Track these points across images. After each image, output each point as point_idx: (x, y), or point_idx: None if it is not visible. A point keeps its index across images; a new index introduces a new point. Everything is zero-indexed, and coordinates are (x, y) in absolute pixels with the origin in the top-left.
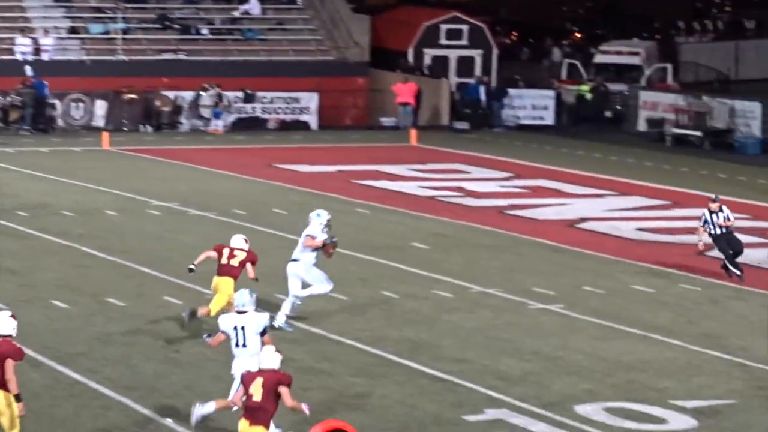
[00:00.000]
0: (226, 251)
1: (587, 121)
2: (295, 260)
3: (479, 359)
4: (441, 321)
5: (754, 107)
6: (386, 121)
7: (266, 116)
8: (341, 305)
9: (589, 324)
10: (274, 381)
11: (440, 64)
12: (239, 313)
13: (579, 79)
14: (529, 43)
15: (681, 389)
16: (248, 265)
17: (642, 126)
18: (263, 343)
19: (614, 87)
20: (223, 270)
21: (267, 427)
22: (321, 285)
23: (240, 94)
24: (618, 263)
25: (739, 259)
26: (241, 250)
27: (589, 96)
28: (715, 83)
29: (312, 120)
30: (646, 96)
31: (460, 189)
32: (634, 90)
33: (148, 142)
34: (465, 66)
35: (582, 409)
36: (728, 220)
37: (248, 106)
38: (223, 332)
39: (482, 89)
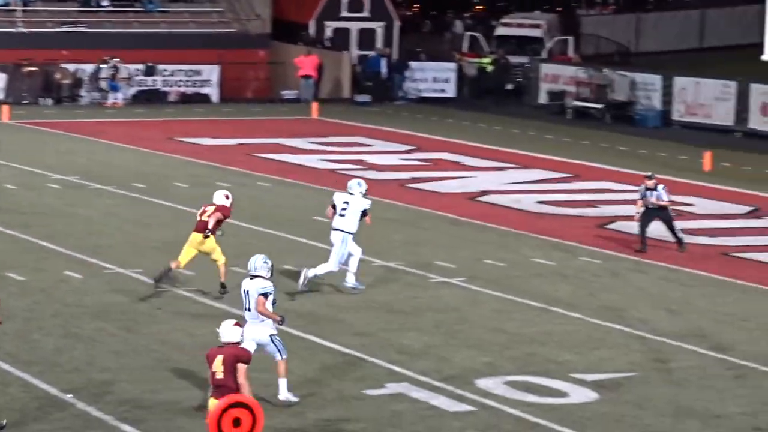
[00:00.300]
0: (201, 210)
1: (488, 94)
2: (335, 230)
3: (381, 333)
4: (343, 295)
5: (655, 80)
6: (288, 94)
7: (167, 89)
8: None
9: (490, 297)
10: (232, 358)
11: (342, 36)
12: (252, 278)
13: (480, 52)
14: (430, 16)
15: (582, 362)
16: (211, 219)
17: (543, 99)
18: (256, 304)
19: (515, 59)
20: (197, 226)
21: None
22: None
23: (141, 66)
24: (519, 236)
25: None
26: (213, 204)
27: (490, 69)
28: (615, 56)
29: (213, 93)
30: (547, 69)
31: (361, 162)
32: (535, 63)
33: (48, 116)
34: (366, 38)
35: (483, 382)
36: (660, 199)
37: (149, 79)
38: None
39: (384, 62)
